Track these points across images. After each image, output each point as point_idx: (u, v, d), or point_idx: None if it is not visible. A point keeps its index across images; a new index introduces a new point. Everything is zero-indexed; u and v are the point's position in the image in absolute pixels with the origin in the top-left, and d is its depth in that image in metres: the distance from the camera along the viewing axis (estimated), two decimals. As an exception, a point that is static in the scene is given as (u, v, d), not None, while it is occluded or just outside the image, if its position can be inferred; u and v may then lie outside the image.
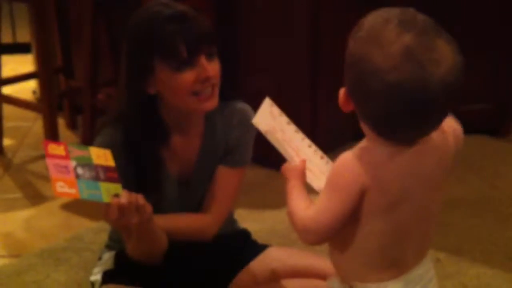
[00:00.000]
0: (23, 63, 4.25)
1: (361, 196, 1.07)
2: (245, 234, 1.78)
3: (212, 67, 1.44)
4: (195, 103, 1.46)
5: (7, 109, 3.22)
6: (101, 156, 1.34)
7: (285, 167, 1.27)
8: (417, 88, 0.97)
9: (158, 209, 1.46)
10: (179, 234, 1.54)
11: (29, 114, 3.34)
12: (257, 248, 1.69)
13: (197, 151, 1.59)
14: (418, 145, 1.08)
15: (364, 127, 1.09)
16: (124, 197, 1.29)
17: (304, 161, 1.25)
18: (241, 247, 1.70)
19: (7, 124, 3.29)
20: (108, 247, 1.69)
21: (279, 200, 2.34)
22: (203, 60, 1.42)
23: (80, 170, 1.28)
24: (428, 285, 1.19)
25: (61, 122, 3.20)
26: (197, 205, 1.61)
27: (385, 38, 0.99)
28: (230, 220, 1.73)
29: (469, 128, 3.58)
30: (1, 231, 2.37)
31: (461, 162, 2.96)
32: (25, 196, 2.67)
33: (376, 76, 0.99)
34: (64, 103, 3.48)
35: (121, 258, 1.60)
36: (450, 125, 1.17)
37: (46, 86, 2.84)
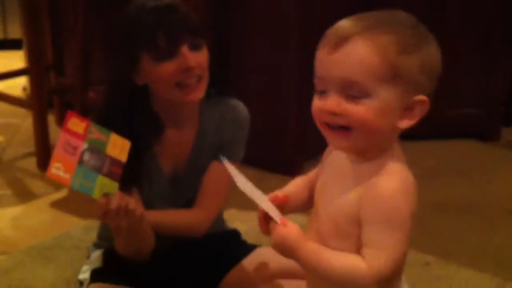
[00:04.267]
0: (14, 59, 4.23)
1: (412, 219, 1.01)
2: (235, 233, 1.78)
3: (195, 58, 1.44)
4: (179, 94, 1.46)
5: (-3, 105, 3.22)
6: (118, 146, 1.30)
7: (280, 236, 1.06)
8: None
9: (148, 203, 1.47)
10: (170, 230, 1.55)
11: (19, 110, 3.33)
12: (247, 248, 1.69)
13: (190, 147, 1.59)
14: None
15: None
16: (114, 201, 1.28)
17: (292, 225, 1.06)
18: (231, 246, 1.71)
19: (-4, 120, 3.30)
20: (97, 245, 1.69)
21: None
22: (184, 50, 1.43)
23: (86, 156, 1.25)
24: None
25: (51, 119, 3.19)
26: (187, 201, 1.62)
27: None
28: (220, 220, 1.74)
29: (458, 132, 3.63)
30: (-11, 228, 2.36)
31: (449, 166, 2.99)
32: (14, 193, 2.66)
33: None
34: (54, 100, 3.48)
35: (109, 257, 1.60)
36: None
37: (37, 83, 2.84)
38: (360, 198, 1.01)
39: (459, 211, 2.54)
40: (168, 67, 1.43)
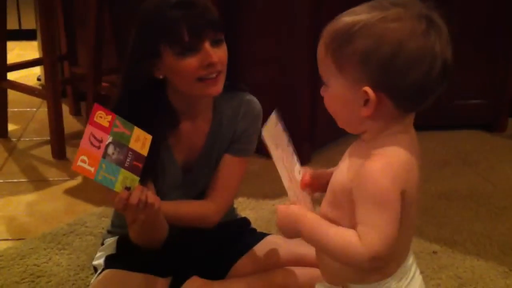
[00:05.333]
0: (28, 50, 4.27)
1: (402, 198, 1.03)
2: (245, 221, 1.80)
3: (217, 54, 1.45)
4: (199, 87, 1.47)
5: (12, 94, 3.25)
6: (140, 140, 1.32)
7: (282, 212, 1.15)
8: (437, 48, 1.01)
9: (161, 194, 1.48)
10: (182, 221, 1.56)
11: (34, 100, 3.36)
12: (258, 236, 1.71)
13: (204, 139, 1.61)
14: (413, 137, 1.10)
15: (373, 121, 1.06)
16: (135, 195, 1.30)
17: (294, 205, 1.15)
18: (241, 234, 1.72)
19: (12, 109, 3.33)
20: (110, 232, 1.71)
21: (277, 190, 2.38)
22: (207, 45, 1.43)
23: (110, 149, 1.26)
24: (416, 273, 1.18)
25: (64, 108, 3.22)
26: (199, 193, 1.64)
27: (390, 15, 1.01)
28: (231, 209, 1.75)
29: (464, 122, 3.62)
30: (4, 214, 2.39)
31: (456, 156, 3.00)
32: (29, 181, 2.69)
33: (410, 41, 1.00)
34: (68, 89, 3.51)
35: (123, 243, 1.62)
36: None
37: (50, 72, 2.86)
38: (354, 175, 1.05)
39: (466, 201, 2.55)
40: (191, 62, 1.43)
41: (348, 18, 1.04)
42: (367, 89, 1.02)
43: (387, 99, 1.03)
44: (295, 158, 1.22)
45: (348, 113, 1.07)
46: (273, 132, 1.17)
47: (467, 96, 3.26)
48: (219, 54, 1.46)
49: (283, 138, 1.20)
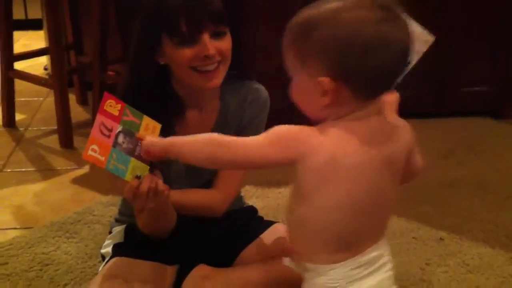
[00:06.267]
0: (35, 39, 4.27)
1: (300, 158, 1.06)
2: (252, 210, 1.81)
3: (215, 46, 1.45)
4: (197, 79, 1.47)
5: (19, 84, 3.26)
6: (149, 129, 1.32)
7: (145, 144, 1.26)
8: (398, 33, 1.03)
9: (168, 184, 1.47)
10: (189, 210, 1.57)
11: (41, 89, 3.37)
12: (264, 224, 1.71)
13: (211, 128, 1.60)
14: (379, 124, 1.10)
15: (334, 107, 1.07)
16: (145, 184, 1.30)
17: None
18: (248, 222, 1.73)
19: (19, 99, 3.34)
20: (118, 220, 1.72)
21: (284, 178, 2.38)
22: (205, 37, 1.43)
23: (121, 138, 1.26)
24: (381, 270, 1.15)
25: (71, 97, 3.23)
26: (207, 182, 1.64)
27: (346, 6, 1.03)
28: (237, 197, 1.75)
29: (470, 110, 3.61)
30: (13, 203, 2.41)
31: (461, 143, 3.00)
32: (37, 170, 2.71)
33: (364, 30, 1.01)
34: (74, 79, 3.52)
35: (131, 232, 1.63)
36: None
37: (57, 62, 2.87)
38: None
39: (472, 188, 2.55)
40: (186, 53, 1.44)
41: (308, 11, 1.06)
42: (324, 79, 1.04)
43: (346, 88, 1.04)
44: None
45: (309, 102, 1.10)
46: None
47: (473, 84, 3.25)
48: (219, 46, 1.46)
49: (414, 34, 1.19)
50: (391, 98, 1.31)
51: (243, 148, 1.11)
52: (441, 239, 2.14)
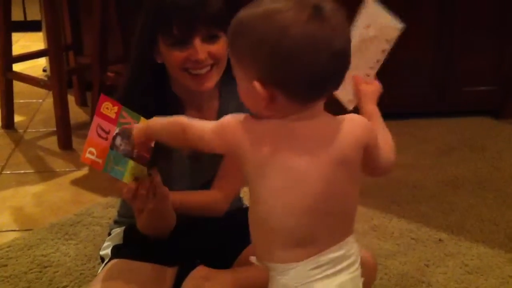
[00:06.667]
0: (34, 41, 4.27)
1: (237, 150, 1.07)
2: (251, 211, 1.80)
3: (208, 50, 1.44)
4: (189, 81, 1.48)
5: (18, 86, 3.26)
6: None
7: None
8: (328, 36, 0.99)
9: (168, 184, 1.48)
10: (190, 210, 1.56)
11: (40, 91, 3.37)
12: (263, 225, 1.71)
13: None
14: (324, 124, 1.08)
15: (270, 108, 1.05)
16: (144, 185, 1.30)
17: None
18: (247, 223, 1.73)
19: (18, 100, 3.34)
20: (117, 222, 1.72)
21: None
22: (196, 41, 1.43)
23: (118, 140, 1.26)
24: (346, 270, 1.11)
25: (70, 99, 3.23)
26: (207, 182, 1.64)
27: (276, 7, 1.00)
28: (237, 198, 1.75)
29: (471, 109, 3.61)
30: (12, 205, 2.41)
31: (463, 142, 3.00)
32: (36, 171, 2.71)
33: (291, 30, 0.98)
34: (73, 80, 3.52)
35: (130, 234, 1.63)
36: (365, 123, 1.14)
37: (56, 63, 2.87)
38: None
39: (473, 187, 2.55)
40: (177, 55, 1.44)
41: (241, 13, 1.04)
42: (256, 84, 1.02)
43: (278, 93, 1.02)
44: (375, 64, 1.27)
45: (251, 103, 1.08)
46: (372, 11, 1.21)
47: (474, 83, 3.25)
48: (211, 50, 1.45)
49: (382, 22, 1.23)
50: (370, 88, 1.31)
51: (199, 132, 1.13)
52: (440, 240, 2.14)
